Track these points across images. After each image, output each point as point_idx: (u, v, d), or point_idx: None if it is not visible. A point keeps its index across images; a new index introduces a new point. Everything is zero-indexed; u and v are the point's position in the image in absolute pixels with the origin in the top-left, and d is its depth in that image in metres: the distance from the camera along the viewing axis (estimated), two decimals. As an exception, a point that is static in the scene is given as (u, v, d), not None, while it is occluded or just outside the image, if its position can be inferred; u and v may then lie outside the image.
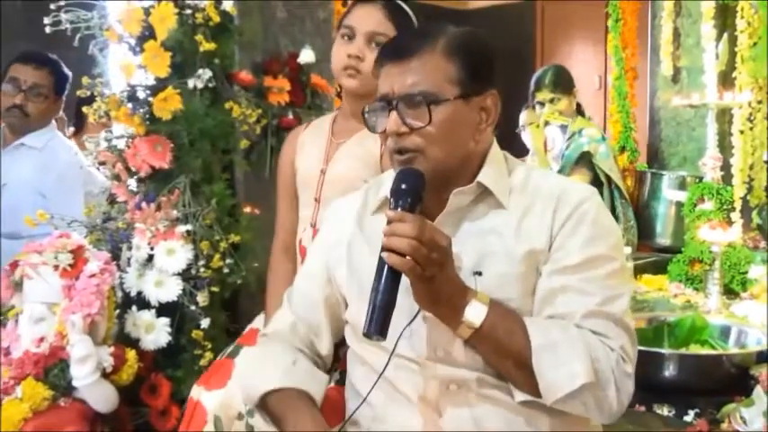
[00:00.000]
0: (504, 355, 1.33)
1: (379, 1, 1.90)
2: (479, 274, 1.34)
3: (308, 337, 1.55)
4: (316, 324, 1.55)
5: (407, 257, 1.23)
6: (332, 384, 1.77)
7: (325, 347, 1.56)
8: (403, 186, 1.32)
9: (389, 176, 1.44)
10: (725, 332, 2.32)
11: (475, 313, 1.31)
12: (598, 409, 1.32)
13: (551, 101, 3.94)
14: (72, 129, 3.81)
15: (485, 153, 1.44)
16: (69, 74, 3.03)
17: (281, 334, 1.56)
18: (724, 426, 1.84)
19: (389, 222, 1.27)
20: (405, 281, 1.29)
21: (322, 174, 1.98)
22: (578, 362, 1.29)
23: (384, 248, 1.25)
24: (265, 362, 1.52)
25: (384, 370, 1.37)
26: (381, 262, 1.26)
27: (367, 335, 1.27)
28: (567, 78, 4.01)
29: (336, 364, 1.80)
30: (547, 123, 3.98)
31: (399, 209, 1.29)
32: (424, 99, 1.34)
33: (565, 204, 1.38)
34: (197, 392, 1.90)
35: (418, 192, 1.32)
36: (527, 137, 4.09)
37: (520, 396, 1.34)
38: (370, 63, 1.86)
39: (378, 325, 1.26)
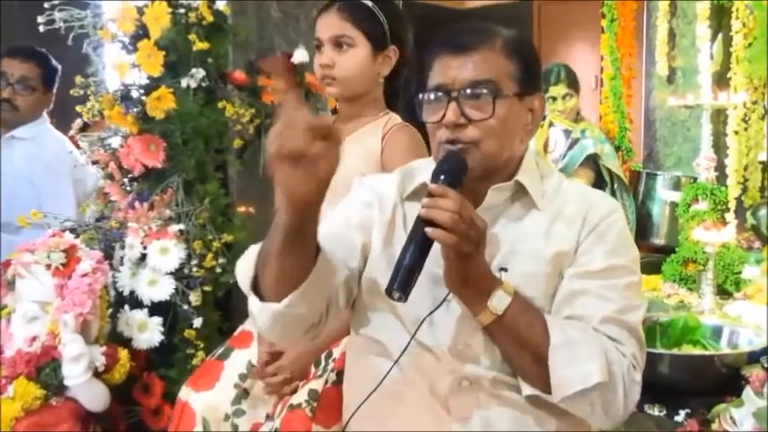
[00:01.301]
0: (522, 348, 1.34)
1: (334, 5, 1.93)
2: (505, 270, 1.36)
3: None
4: (348, 246, 1.44)
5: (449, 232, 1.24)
6: (329, 385, 1.78)
7: (354, 267, 1.44)
8: (446, 167, 1.34)
9: (423, 165, 1.45)
10: (717, 332, 2.32)
11: (499, 301, 1.32)
12: (604, 412, 1.33)
13: (564, 97, 3.94)
14: (80, 122, 3.79)
15: (522, 155, 1.46)
16: (58, 67, 3.02)
17: None
18: (714, 426, 1.84)
19: (431, 195, 1.27)
20: (433, 270, 1.30)
21: None
22: (594, 361, 1.30)
23: (423, 219, 1.26)
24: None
25: (403, 353, 1.37)
26: (416, 229, 1.27)
27: (389, 291, 1.26)
28: (577, 77, 4.02)
29: (332, 363, 1.81)
30: (551, 125, 3.97)
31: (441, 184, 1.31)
32: (488, 90, 1.36)
33: (595, 212, 1.41)
34: (185, 394, 1.90)
35: (459, 176, 1.33)
36: None
37: (528, 390, 1.35)
38: (341, 67, 1.91)
39: (402, 283, 1.26)
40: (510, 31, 1.44)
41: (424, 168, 1.44)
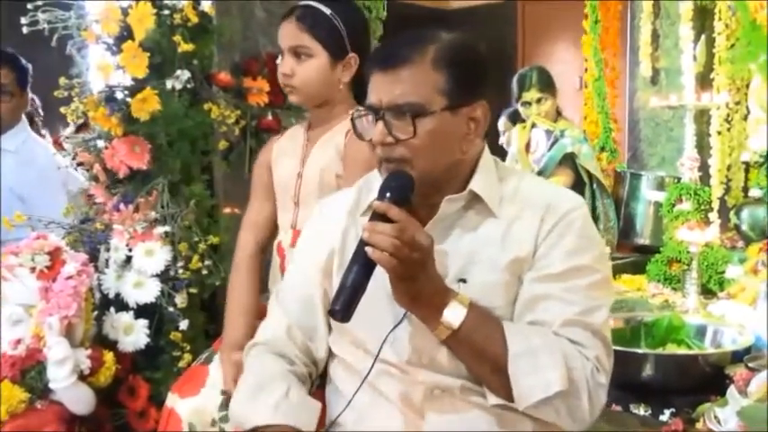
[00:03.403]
0: (481, 359, 1.34)
1: (294, 12, 1.93)
2: (463, 281, 1.36)
3: (305, 343, 1.53)
4: (312, 326, 1.53)
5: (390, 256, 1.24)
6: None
7: (322, 350, 1.54)
8: (392, 184, 1.34)
9: (379, 178, 1.45)
10: (701, 332, 2.34)
11: (454, 315, 1.31)
12: (570, 417, 1.34)
13: (538, 101, 3.95)
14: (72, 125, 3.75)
15: (475, 160, 1.44)
16: (29, 66, 2.97)
17: (277, 343, 1.53)
18: (699, 425, 1.85)
19: (374, 213, 1.28)
20: (390, 288, 1.30)
21: (299, 177, 1.98)
22: (554, 369, 1.30)
23: (366, 242, 1.25)
24: (259, 393, 1.46)
25: (368, 374, 1.38)
26: (360, 249, 1.27)
27: (332, 312, 1.27)
28: (551, 79, 4.03)
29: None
30: (534, 125, 3.99)
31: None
32: (409, 111, 1.34)
33: (552, 213, 1.39)
34: (171, 400, 1.90)
35: (405, 192, 1.33)
36: (510, 138, 4.10)
37: (493, 399, 1.35)
38: (300, 77, 1.91)
39: (344, 304, 1.26)
40: (449, 38, 1.41)
41: (377, 182, 1.44)
